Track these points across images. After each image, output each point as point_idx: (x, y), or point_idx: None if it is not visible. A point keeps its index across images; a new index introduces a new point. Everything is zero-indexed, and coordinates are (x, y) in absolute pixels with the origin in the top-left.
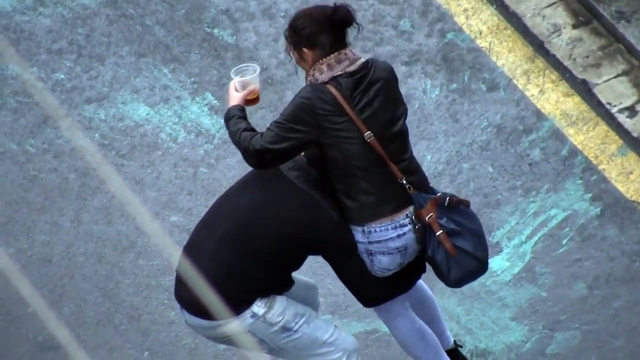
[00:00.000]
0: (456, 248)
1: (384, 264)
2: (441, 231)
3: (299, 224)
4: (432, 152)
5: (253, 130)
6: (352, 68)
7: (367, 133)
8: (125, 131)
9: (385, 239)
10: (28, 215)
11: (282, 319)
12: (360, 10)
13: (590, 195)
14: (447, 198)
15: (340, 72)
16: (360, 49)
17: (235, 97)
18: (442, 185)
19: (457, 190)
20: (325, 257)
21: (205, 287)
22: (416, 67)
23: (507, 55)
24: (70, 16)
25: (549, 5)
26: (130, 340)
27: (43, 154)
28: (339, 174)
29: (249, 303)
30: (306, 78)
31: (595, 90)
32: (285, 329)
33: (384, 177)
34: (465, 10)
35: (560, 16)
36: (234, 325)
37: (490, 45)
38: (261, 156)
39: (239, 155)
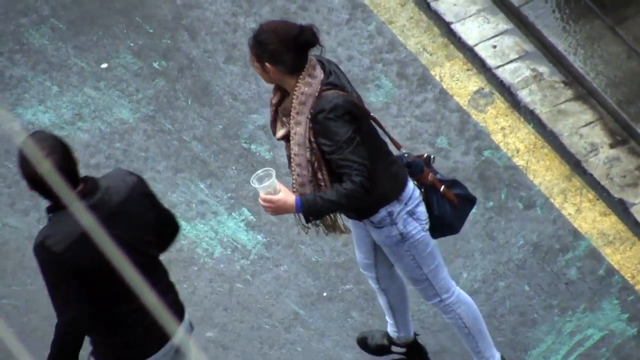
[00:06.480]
0: (457, 197)
1: (423, 212)
2: (443, 186)
3: None
4: (468, 269)
5: (335, 187)
6: (321, 68)
7: (371, 115)
8: None
9: (415, 194)
10: None
11: None
12: (398, 127)
13: (627, 315)
14: (431, 156)
15: (322, 76)
16: None
17: (286, 196)
18: (479, 303)
19: (493, 308)
20: None
21: None
22: None
23: (544, 174)
24: (108, 131)
25: (586, 125)
26: None
27: None
28: (372, 157)
29: None
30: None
31: (633, 210)
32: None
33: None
34: (503, 128)
35: (598, 135)
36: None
37: (527, 163)
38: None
39: (274, 271)
